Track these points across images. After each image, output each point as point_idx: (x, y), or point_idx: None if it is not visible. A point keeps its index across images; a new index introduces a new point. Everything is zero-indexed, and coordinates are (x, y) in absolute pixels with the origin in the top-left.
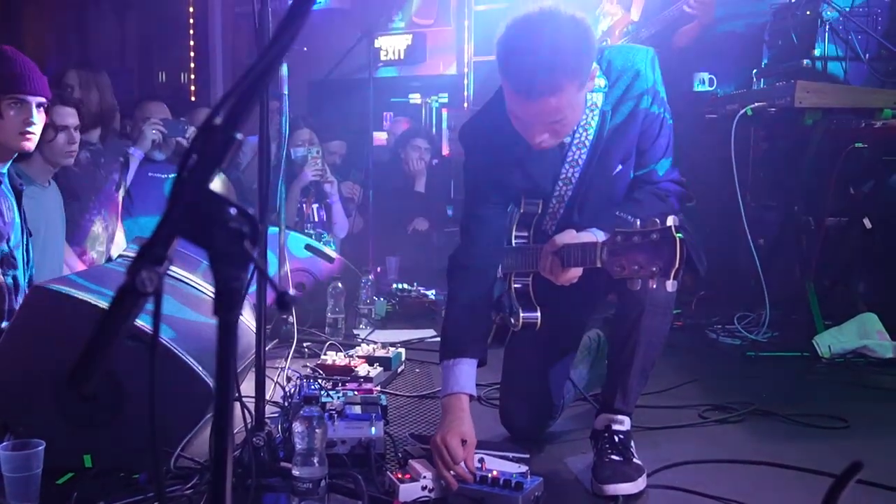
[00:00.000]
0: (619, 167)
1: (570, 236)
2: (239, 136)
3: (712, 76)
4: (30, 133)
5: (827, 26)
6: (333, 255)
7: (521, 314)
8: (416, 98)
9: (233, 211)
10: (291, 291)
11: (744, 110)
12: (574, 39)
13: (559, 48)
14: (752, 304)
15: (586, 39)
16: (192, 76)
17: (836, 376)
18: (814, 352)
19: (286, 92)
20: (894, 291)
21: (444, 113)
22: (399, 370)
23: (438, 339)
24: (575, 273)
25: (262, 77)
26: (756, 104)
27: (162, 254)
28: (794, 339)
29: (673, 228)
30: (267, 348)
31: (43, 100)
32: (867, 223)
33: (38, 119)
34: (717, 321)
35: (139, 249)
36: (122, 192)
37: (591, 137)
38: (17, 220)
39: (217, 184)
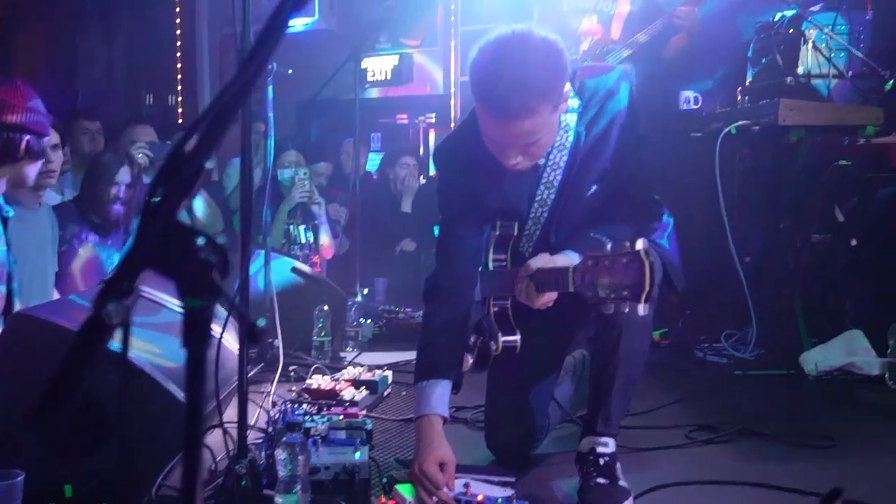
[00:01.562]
0: (594, 187)
1: (543, 260)
2: (209, 164)
3: (698, 95)
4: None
5: (810, 44)
6: (320, 276)
7: (501, 337)
8: (403, 118)
9: (201, 241)
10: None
11: (728, 128)
12: (546, 61)
13: (531, 70)
14: (739, 321)
15: (558, 61)
16: (180, 98)
17: (824, 394)
18: (801, 369)
19: (272, 114)
20: (881, 308)
21: (432, 133)
22: (385, 393)
23: None
24: (550, 297)
25: (232, 104)
26: (740, 122)
27: (129, 285)
28: (781, 356)
29: (643, 252)
30: (252, 372)
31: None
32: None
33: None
34: (705, 339)
35: (105, 281)
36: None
37: (565, 158)
38: (2, 248)
39: (202, 206)
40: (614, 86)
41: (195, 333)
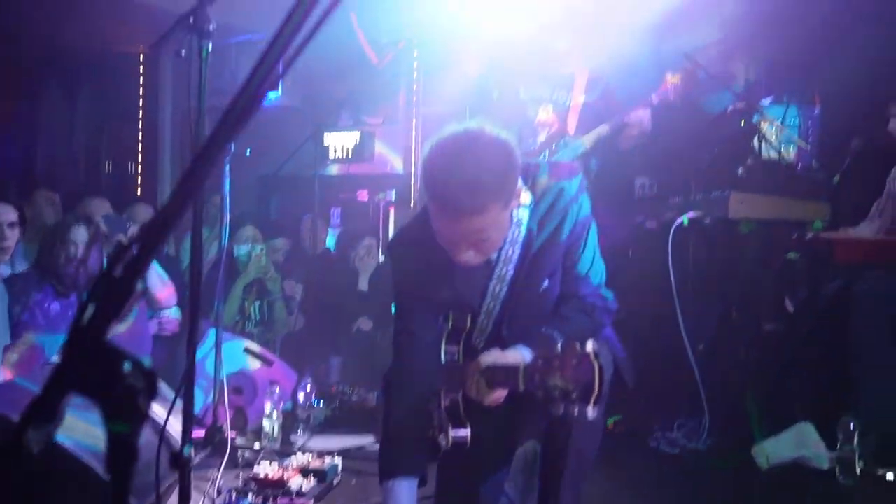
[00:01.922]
0: (546, 282)
1: (494, 356)
2: (139, 286)
3: (652, 182)
4: None
5: (761, 137)
6: (272, 358)
7: (451, 432)
8: (363, 195)
9: (128, 366)
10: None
11: (680, 220)
12: (498, 160)
13: (483, 169)
14: (692, 410)
15: (510, 160)
16: (140, 167)
17: (776, 488)
18: (754, 461)
19: (228, 190)
20: (830, 400)
21: (392, 211)
22: (335, 482)
23: (378, 446)
24: (501, 394)
25: (163, 229)
26: (692, 214)
27: (53, 410)
28: (733, 447)
29: (592, 355)
30: (199, 458)
31: None
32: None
33: None
34: (658, 428)
35: (29, 405)
36: None
37: (517, 253)
38: None
39: (157, 280)
40: (566, 183)
41: (120, 459)
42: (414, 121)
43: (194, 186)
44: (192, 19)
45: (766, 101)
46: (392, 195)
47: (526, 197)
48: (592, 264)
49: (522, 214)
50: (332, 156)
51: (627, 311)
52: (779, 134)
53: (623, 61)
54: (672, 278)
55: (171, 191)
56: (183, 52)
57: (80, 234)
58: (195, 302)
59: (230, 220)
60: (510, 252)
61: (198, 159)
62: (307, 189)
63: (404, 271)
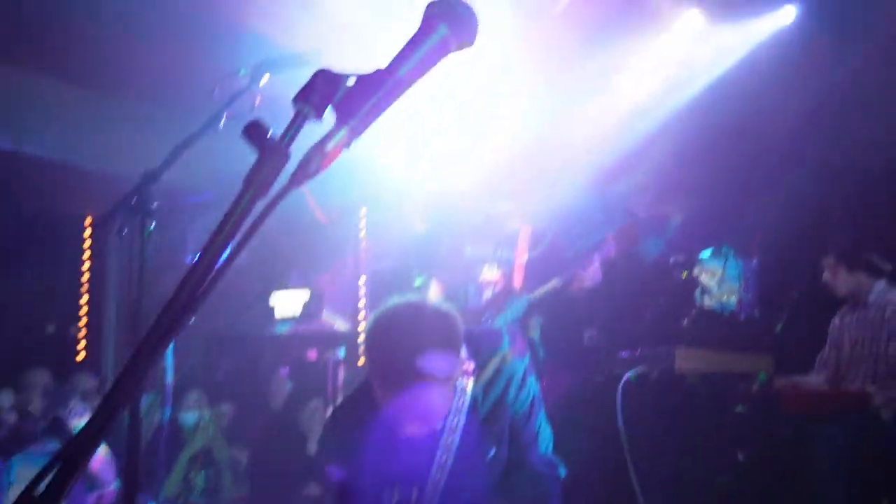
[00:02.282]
0: (493, 450)
1: None
2: None
3: (600, 334)
4: None
5: (703, 289)
6: None
7: None
8: (312, 354)
9: None
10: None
11: (627, 376)
12: (440, 335)
13: (425, 345)
14: None
15: (452, 333)
16: (83, 331)
17: None
18: None
19: (171, 357)
20: None
21: (341, 370)
22: None
23: None
24: None
25: (87, 447)
26: (639, 369)
27: None
28: None
29: None
30: None
31: None
32: None
33: None
34: None
35: None
36: None
37: (462, 422)
38: None
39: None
40: (522, 373)
41: None
42: (362, 278)
43: (129, 392)
44: (134, 200)
45: (706, 253)
46: (341, 353)
47: (469, 365)
48: (540, 431)
49: (466, 382)
50: (279, 316)
51: (578, 469)
52: (720, 285)
53: (565, 212)
54: (623, 435)
55: (103, 400)
56: (124, 231)
57: (6, 399)
58: (132, 480)
59: (175, 385)
60: (455, 421)
61: (132, 363)
62: (255, 349)
63: (347, 445)
